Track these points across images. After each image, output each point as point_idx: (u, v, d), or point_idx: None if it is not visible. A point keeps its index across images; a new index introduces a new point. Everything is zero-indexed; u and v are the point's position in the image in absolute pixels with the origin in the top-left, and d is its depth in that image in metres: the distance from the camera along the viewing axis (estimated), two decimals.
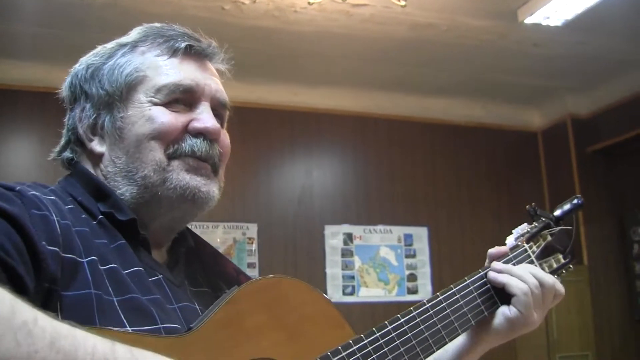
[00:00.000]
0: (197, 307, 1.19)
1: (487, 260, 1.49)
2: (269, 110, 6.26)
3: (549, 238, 1.55)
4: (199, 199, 1.22)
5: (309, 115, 6.50)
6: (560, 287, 1.44)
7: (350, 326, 1.18)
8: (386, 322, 1.19)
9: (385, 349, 1.15)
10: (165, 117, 1.22)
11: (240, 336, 1.01)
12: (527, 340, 6.08)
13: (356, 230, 6.42)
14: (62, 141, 1.31)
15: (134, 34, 1.32)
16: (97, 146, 1.26)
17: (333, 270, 6.26)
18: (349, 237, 6.38)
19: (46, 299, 0.94)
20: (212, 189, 1.25)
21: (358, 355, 1.10)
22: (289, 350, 1.06)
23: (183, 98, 1.25)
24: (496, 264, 1.44)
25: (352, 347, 1.10)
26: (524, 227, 1.57)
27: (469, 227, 6.78)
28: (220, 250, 5.33)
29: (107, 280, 1.04)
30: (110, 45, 1.31)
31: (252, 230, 6.09)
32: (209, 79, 1.29)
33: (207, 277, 1.35)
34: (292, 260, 6.10)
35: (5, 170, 5.45)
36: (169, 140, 1.22)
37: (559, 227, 1.57)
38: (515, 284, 1.38)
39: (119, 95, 1.24)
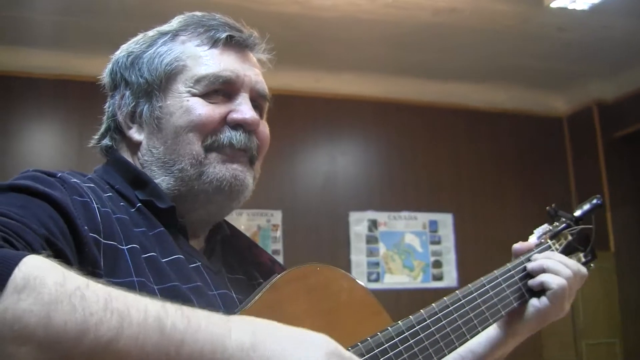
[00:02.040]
0: (235, 296, 1.20)
1: (513, 256, 1.51)
2: (292, 97, 6.23)
3: (570, 237, 1.58)
4: (235, 187, 1.23)
5: (332, 101, 6.48)
6: (584, 269, 1.47)
7: (388, 313, 1.20)
8: (422, 311, 1.21)
9: (422, 335, 1.17)
10: (202, 109, 1.22)
11: (281, 322, 1.01)
12: (553, 328, 5.97)
13: (381, 216, 6.40)
14: (102, 128, 1.32)
15: (175, 22, 1.31)
16: (135, 134, 1.26)
17: (358, 257, 6.25)
18: (373, 224, 6.36)
19: None
20: (247, 177, 1.26)
21: (396, 340, 1.12)
22: (329, 336, 1.06)
23: (222, 89, 1.25)
24: (533, 264, 1.44)
25: (389, 332, 1.12)
26: (545, 227, 1.60)
27: (493, 214, 6.74)
28: None
29: (147, 269, 1.05)
30: (151, 33, 1.31)
31: (277, 217, 6.09)
32: (249, 70, 1.29)
33: (242, 266, 1.36)
34: (316, 247, 6.08)
35: (29, 159, 5.47)
36: (207, 132, 1.22)
37: (580, 227, 1.60)
38: (552, 281, 1.40)
39: (158, 85, 1.24)
